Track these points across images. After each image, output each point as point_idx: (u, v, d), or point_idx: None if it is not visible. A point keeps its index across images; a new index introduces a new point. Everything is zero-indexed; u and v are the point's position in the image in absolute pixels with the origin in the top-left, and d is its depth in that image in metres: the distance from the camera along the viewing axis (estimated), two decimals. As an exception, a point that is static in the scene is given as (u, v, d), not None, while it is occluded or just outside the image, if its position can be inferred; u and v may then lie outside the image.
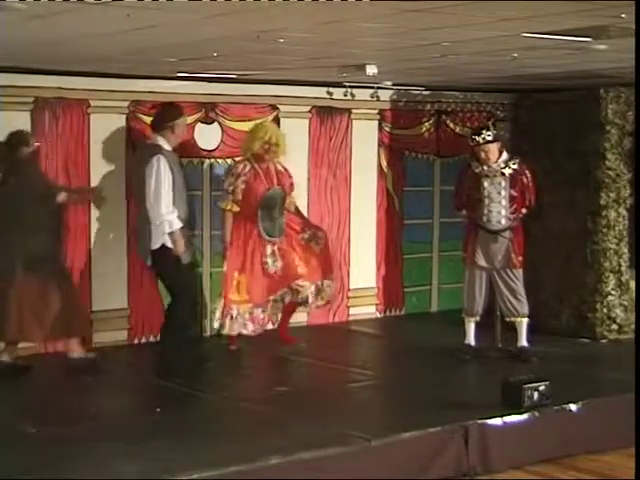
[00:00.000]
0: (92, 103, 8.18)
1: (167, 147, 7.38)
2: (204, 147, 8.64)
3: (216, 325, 8.10)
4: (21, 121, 7.82)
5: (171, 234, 7.21)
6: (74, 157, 8.09)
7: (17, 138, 7.32)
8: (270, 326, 8.27)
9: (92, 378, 7.29)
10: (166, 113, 7.54)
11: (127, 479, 5.13)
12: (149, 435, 5.84)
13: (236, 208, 7.96)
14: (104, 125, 8.20)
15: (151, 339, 8.35)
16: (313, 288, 8.24)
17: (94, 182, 8.16)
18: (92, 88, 8.11)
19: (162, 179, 7.18)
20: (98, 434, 5.86)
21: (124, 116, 8.33)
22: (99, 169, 8.19)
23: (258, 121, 8.46)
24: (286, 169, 8.24)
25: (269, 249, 8.04)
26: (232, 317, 7.97)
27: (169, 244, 7.24)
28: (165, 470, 5.21)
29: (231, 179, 7.99)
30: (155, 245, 7.25)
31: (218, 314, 8.01)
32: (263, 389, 7.24)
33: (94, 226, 8.21)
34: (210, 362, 7.85)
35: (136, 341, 8.48)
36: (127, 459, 5.37)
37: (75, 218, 8.05)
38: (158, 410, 6.43)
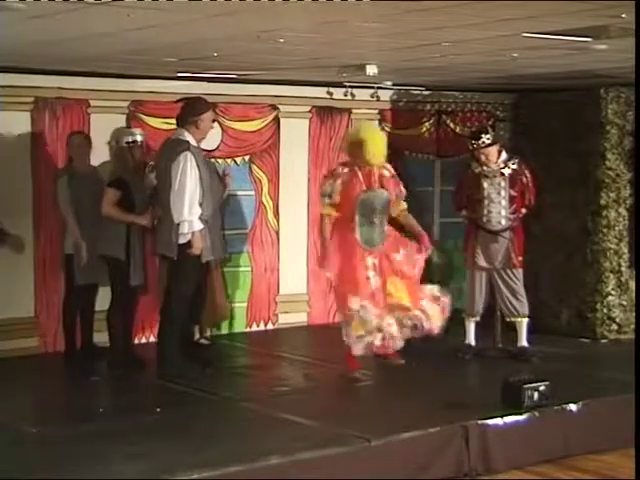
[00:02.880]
0: (92, 103, 8.19)
1: (193, 142, 7.24)
2: (204, 147, 8.62)
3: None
4: (21, 121, 7.83)
5: (190, 235, 7.11)
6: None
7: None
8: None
9: (98, 378, 7.37)
10: (192, 107, 7.35)
11: (127, 479, 5.13)
12: (149, 435, 5.85)
13: (334, 213, 7.35)
14: (104, 125, 8.19)
15: (151, 339, 8.35)
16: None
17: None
18: (92, 88, 8.11)
19: (187, 177, 7.07)
20: (98, 434, 5.86)
21: (124, 116, 8.33)
22: (99, 169, 8.19)
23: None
24: (395, 175, 7.54)
25: (369, 261, 7.29)
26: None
27: (187, 241, 7.13)
28: (165, 470, 5.21)
29: (330, 180, 7.39)
30: (180, 240, 7.14)
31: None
32: (263, 389, 7.24)
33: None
34: (210, 362, 7.84)
35: (136, 341, 8.47)
36: (127, 459, 5.37)
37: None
38: (158, 410, 6.43)
